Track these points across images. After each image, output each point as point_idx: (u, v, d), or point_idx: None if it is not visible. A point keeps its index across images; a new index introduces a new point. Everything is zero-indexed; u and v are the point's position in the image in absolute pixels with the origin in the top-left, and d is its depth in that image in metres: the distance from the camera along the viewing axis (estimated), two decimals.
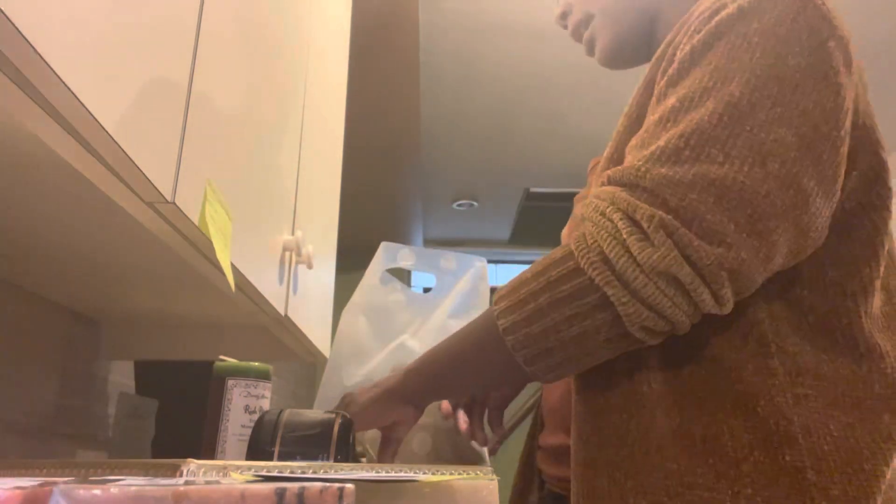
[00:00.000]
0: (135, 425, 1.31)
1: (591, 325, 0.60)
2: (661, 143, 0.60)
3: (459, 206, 4.26)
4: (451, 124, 3.32)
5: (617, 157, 0.70)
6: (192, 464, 0.39)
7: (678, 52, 0.65)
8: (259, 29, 0.87)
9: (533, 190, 4.00)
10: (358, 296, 1.14)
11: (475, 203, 4.21)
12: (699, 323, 0.61)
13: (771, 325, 0.62)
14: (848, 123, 0.62)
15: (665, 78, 0.65)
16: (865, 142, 0.65)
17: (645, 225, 0.57)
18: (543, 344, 0.61)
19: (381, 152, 3.10)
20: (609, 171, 0.63)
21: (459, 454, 1.00)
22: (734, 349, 0.62)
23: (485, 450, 1.05)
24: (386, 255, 1.16)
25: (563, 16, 0.89)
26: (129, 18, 0.52)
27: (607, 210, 0.59)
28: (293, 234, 1.08)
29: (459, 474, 0.57)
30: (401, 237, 4.14)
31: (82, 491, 0.26)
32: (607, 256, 0.58)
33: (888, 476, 0.59)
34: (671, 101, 0.62)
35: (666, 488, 0.60)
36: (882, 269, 0.66)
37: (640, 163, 0.60)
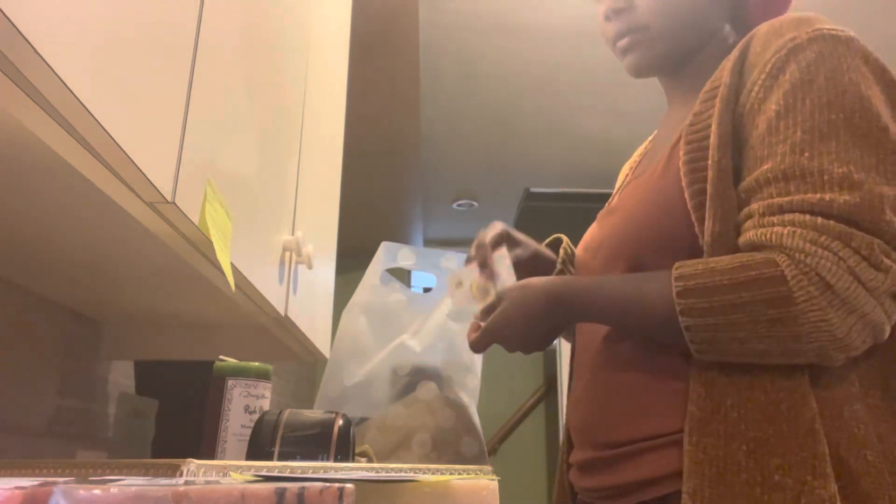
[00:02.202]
0: (135, 425, 1.31)
1: (780, 348, 0.64)
2: (826, 175, 0.64)
3: (459, 206, 4.26)
4: (451, 124, 3.32)
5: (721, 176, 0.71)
6: (192, 464, 0.39)
7: (765, 89, 0.70)
8: (259, 29, 0.87)
9: (533, 190, 4.00)
10: (358, 296, 1.14)
11: (475, 203, 4.21)
12: None
13: (860, 361, 0.68)
14: None
15: (771, 111, 0.69)
16: None
17: (865, 252, 0.62)
18: (723, 348, 0.66)
19: (380, 152, 3.10)
20: (777, 201, 0.66)
21: (459, 454, 1.00)
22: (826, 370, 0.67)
23: (485, 450, 1.05)
24: (386, 255, 1.16)
25: (619, 12, 0.86)
26: (129, 18, 0.52)
27: (820, 239, 0.63)
28: (293, 234, 1.08)
29: (459, 474, 0.57)
30: (401, 237, 4.14)
31: (82, 491, 0.26)
32: (833, 285, 0.62)
33: None
34: (796, 133, 0.67)
35: (813, 468, 0.63)
36: None
37: (819, 195, 0.64)
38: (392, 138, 2.99)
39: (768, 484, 0.63)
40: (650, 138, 0.99)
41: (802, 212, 0.64)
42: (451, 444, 1.02)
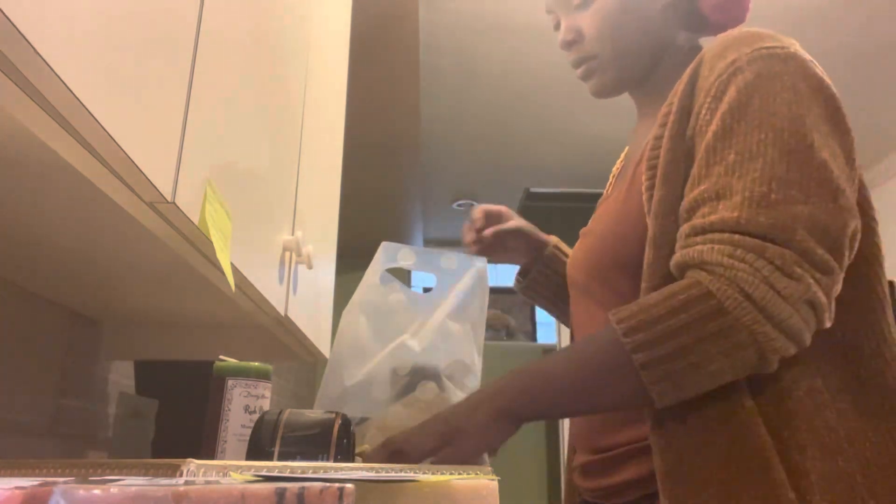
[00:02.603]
0: (135, 425, 1.31)
1: (731, 362, 0.66)
2: (747, 193, 0.67)
3: (459, 206, 4.26)
4: (451, 124, 3.32)
5: (668, 201, 0.75)
6: (192, 464, 0.39)
7: (708, 111, 0.73)
8: (259, 29, 0.87)
9: (533, 190, 4.00)
10: (358, 296, 1.14)
11: (475, 203, 4.21)
12: None
13: (812, 349, 0.70)
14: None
15: (710, 134, 0.72)
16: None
17: (779, 262, 0.64)
18: (681, 380, 0.67)
19: (380, 152, 3.10)
20: (700, 222, 0.69)
21: None
22: (789, 372, 0.70)
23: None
24: (386, 255, 1.16)
25: (570, 44, 0.91)
26: (129, 18, 0.52)
27: (736, 252, 0.66)
28: (293, 234, 1.08)
29: (459, 474, 0.57)
30: (401, 237, 4.14)
31: (82, 491, 0.26)
32: (751, 295, 0.64)
33: None
34: (730, 155, 0.70)
35: (777, 498, 0.65)
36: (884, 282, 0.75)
37: (737, 213, 0.67)
38: (392, 138, 2.99)
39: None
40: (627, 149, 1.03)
41: (722, 231, 0.67)
42: None
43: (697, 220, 0.70)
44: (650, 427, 0.72)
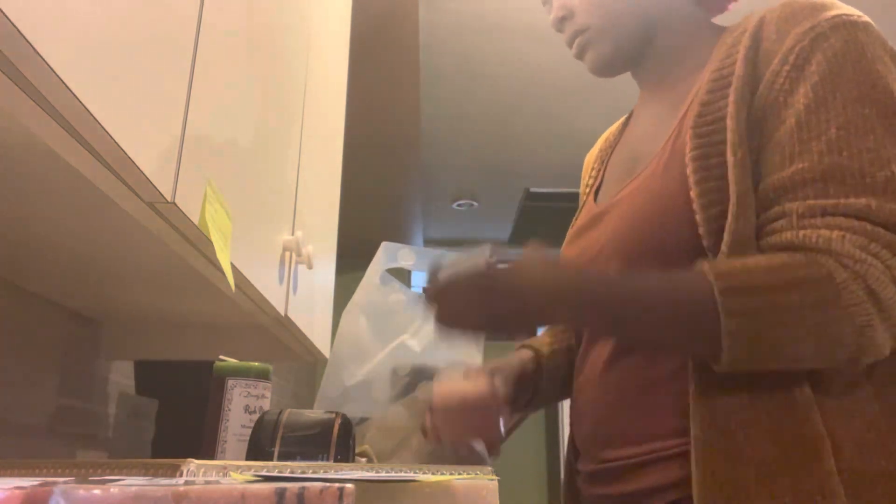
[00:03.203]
0: (135, 425, 1.31)
1: (820, 352, 0.62)
2: (868, 179, 0.62)
3: (459, 206, 4.26)
4: (451, 124, 3.32)
5: (703, 155, 0.69)
6: (192, 464, 0.39)
7: (791, 80, 0.68)
8: (259, 29, 0.87)
9: (533, 190, 4.00)
10: (358, 296, 1.14)
11: (475, 203, 4.21)
12: None
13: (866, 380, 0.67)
14: None
15: (801, 105, 0.66)
16: None
17: None
18: (759, 355, 0.63)
19: (380, 152, 3.10)
20: (819, 203, 0.64)
21: (459, 454, 0.99)
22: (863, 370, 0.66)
23: (485, 450, 1.04)
24: (386, 255, 1.16)
25: (562, 20, 0.88)
26: (129, 18, 0.52)
27: (870, 247, 0.61)
28: (293, 234, 1.08)
29: (459, 474, 0.57)
30: (401, 237, 4.14)
31: (82, 491, 0.26)
32: (877, 294, 0.60)
33: None
34: (831, 129, 0.64)
35: (821, 489, 0.62)
36: None
37: (864, 200, 0.62)
38: (392, 138, 2.99)
39: None
40: (617, 126, 0.98)
41: (848, 216, 0.62)
42: (451, 445, 1.02)
43: (815, 202, 0.64)
44: (692, 394, 0.67)
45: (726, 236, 0.67)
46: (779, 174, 0.66)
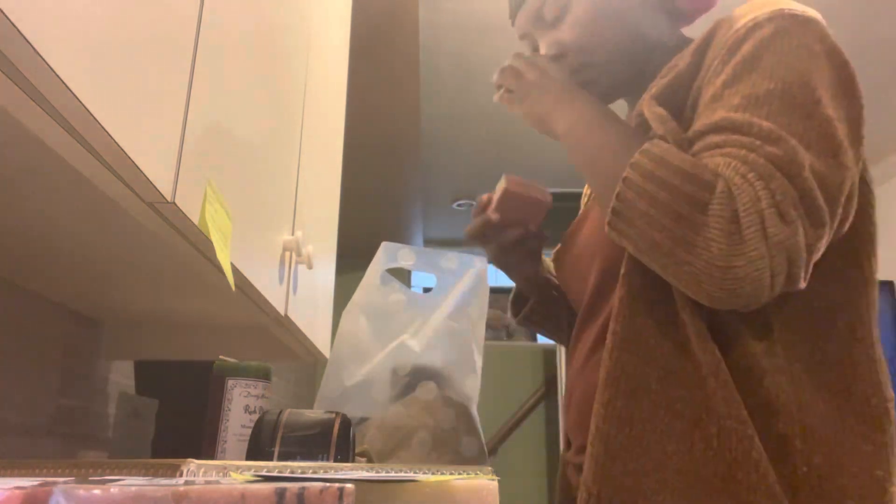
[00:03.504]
0: (135, 425, 1.31)
1: (671, 247, 0.66)
2: (755, 129, 0.67)
3: (459, 206, 4.26)
4: (451, 124, 3.32)
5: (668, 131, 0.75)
6: (192, 464, 0.39)
7: (721, 62, 0.74)
8: (259, 29, 0.87)
9: None
10: (358, 296, 1.13)
11: (475, 203, 4.21)
12: (729, 314, 0.70)
13: (778, 314, 0.71)
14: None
15: (719, 83, 0.73)
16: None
17: (779, 198, 0.63)
18: (632, 216, 0.69)
19: (381, 152, 3.10)
20: (716, 139, 0.69)
21: (459, 454, 1.00)
22: (749, 332, 0.71)
23: (485, 450, 1.05)
24: (386, 255, 1.16)
25: (557, 59, 0.90)
26: (129, 18, 0.52)
27: (748, 175, 0.65)
28: (293, 234, 1.08)
29: (459, 474, 0.57)
30: (401, 237, 4.14)
31: (82, 491, 0.26)
32: (738, 219, 0.63)
33: (874, 454, 0.68)
34: (735, 99, 0.70)
35: (707, 407, 0.68)
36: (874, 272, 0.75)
37: (749, 140, 0.66)
38: (392, 138, 2.99)
39: (670, 410, 0.69)
40: None
41: (736, 147, 0.67)
42: (451, 444, 1.02)
43: (712, 139, 0.70)
44: (619, 294, 0.74)
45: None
46: (692, 129, 0.72)
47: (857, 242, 0.73)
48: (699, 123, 0.72)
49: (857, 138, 0.70)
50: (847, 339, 0.71)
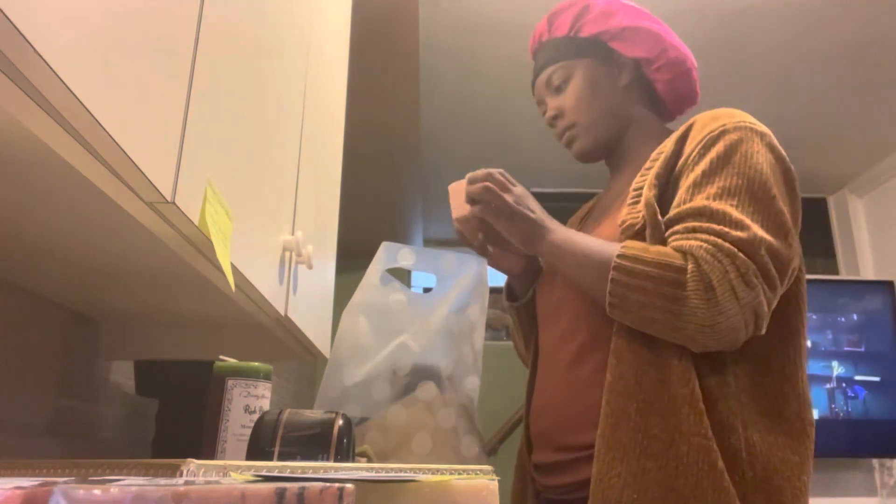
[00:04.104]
0: (135, 425, 1.31)
1: (665, 321, 0.88)
2: (728, 215, 0.89)
3: None
4: (451, 124, 3.32)
5: (641, 225, 0.97)
6: (192, 464, 0.39)
7: (698, 156, 0.96)
8: (259, 29, 0.87)
9: (533, 190, 3.99)
10: (358, 296, 1.13)
11: None
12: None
13: (733, 355, 0.92)
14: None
15: (699, 172, 0.95)
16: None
17: (743, 270, 0.86)
18: (629, 306, 0.90)
19: (381, 152, 3.10)
20: (694, 224, 0.91)
21: (459, 454, 1.00)
22: (708, 370, 0.91)
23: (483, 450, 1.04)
24: (386, 255, 1.16)
25: (554, 119, 1.16)
26: (129, 18, 0.52)
27: (717, 255, 0.87)
28: (293, 234, 1.08)
29: (459, 474, 0.57)
30: (401, 237, 4.14)
31: (82, 491, 0.26)
32: (713, 287, 0.85)
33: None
34: (713, 189, 0.92)
35: (679, 430, 0.87)
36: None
37: (719, 227, 0.88)
38: (392, 138, 2.98)
39: (648, 434, 0.87)
40: (592, 202, 1.25)
41: (709, 234, 0.88)
42: (451, 444, 1.02)
43: (691, 224, 0.91)
44: (611, 347, 0.93)
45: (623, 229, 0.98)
46: (679, 208, 0.94)
47: (791, 308, 0.95)
48: (683, 206, 0.93)
49: (797, 227, 0.94)
50: (779, 376, 0.92)
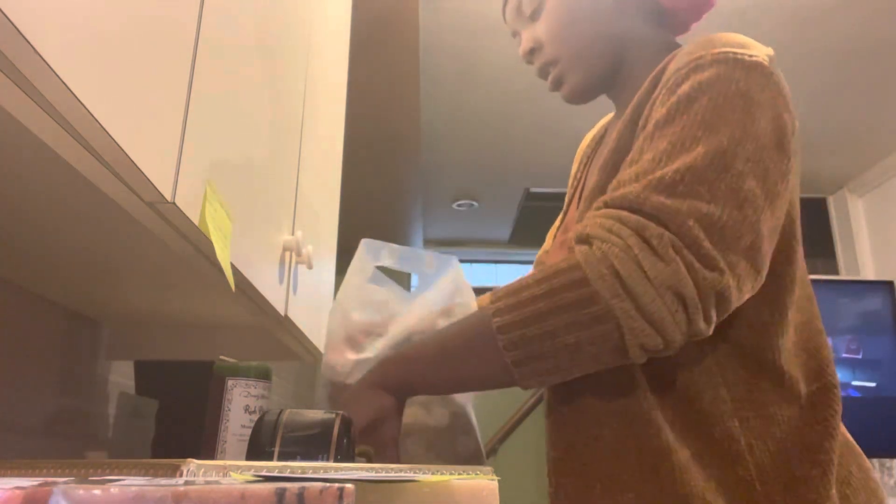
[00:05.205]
0: (135, 425, 1.31)
1: (588, 336, 0.64)
2: (658, 175, 0.67)
3: (459, 206, 4.26)
4: (451, 124, 3.32)
5: (602, 189, 0.76)
6: (192, 464, 0.39)
7: (661, 103, 0.73)
8: (259, 29, 0.87)
9: (533, 190, 4.00)
10: (342, 295, 1.13)
11: (475, 203, 4.21)
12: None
13: (717, 359, 0.72)
14: (791, 182, 0.73)
15: (652, 123, 0.72)
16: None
17: (654, 242, 0.63)
18: (537, 348, 0.65)
19: (381, 152, 3.10)
20: (606, 197, 0.69)
21: (456, 454, 0.99)
22: (695, 380, 0.71)
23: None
24: (368, 253, 1.15)
25: (531, 52, 0.91)
26: (129, 18, 0.52)
27: (614, 227, 0.65)
28: (293, 234, 1.08)
29: (459, 474, 0.57)
30: (401, 237, 4.14)
31: (82, 491, 0.26)
32: (617, 270, 0.63)
33: (822, 477, 0.69)
34: (663, 143, 0.69)
35: (660, 501, 0.67)
36: (793, 310, 0.76)
37: (639, 190, 0.66)
38: (392, 138, 2.98)
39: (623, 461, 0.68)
40: (604, 123, 1.04)
41: (615, 206, 0.67)
42: (447, 445, 1.02)
43: (605, 196, 0.69)
44: (545, 414, 0.73)
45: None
46: (615, 179, 0.72)
47: (781, 294, 0.74)
48: (622, 173, 0.71)
49: (773, 192, 0.69)
50: (779, 377, 0.73)
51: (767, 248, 0.68)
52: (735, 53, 0.71)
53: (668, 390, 0.70)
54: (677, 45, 0.88)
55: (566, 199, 1.03)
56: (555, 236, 0.97)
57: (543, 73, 0.92)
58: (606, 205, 0.68)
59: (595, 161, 0.92)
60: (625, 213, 0.65)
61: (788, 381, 0.72)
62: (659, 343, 0.64)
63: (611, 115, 1.02)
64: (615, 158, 0.77)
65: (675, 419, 0.69)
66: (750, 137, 0.68)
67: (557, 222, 1.04)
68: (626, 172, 0.70)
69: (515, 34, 0.95)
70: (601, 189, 0.76)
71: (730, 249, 0.64)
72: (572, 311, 0.63)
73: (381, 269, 1.20)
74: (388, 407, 0.73)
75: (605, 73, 0.89)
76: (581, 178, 0.98)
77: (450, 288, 1.15)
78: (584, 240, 0.67)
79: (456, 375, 0.73)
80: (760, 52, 0.73)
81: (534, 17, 0.91)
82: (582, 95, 0.92)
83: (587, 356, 0.65)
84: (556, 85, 0.91)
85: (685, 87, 0.71)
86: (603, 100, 0.99)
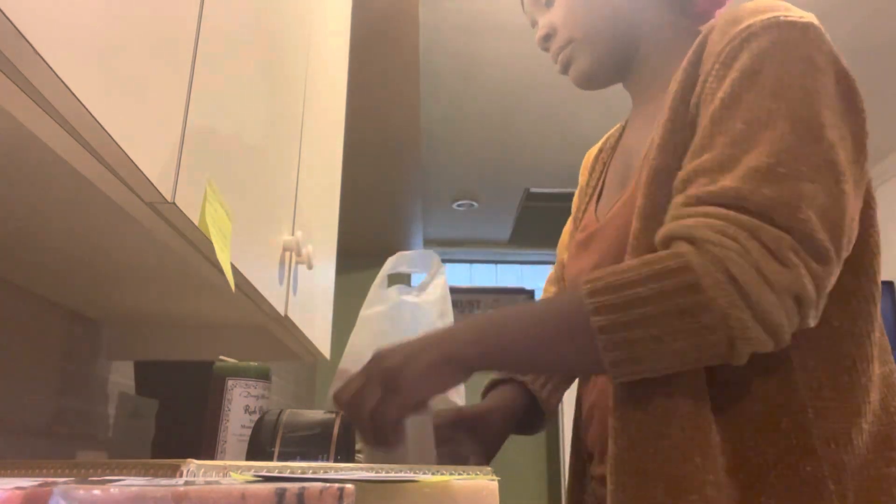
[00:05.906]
0: (135, 425, 1.31)
1: (696, 343, 0.61)
2: (752, 163, 0.63)
3: (459, 206, 4.26)
4: (451, 124, 3.32)
5: (669, 171, 0.71)
6: (192, 464, 0.39)
7: (716, 78, 0.69)
8: (259, 29, 0.87)
9: (533, 190, 4.00)
10: (371, 307, 1.13)
11: (475, 203, 4.21)
12: None
13: (793, 361, 0.67)
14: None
15: (717, 101, 0.67)
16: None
17: (773, 246, 0.60)
18: (639, 352, 0.62)
19: (380, 152, 3.10)
20: (698, 191, 0.64)
21: (455, 454, 0.99)
22: (768, 382, 0.67)
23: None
24: (393, 264, 1.16)
25: (547, 38, 0.90)
26: (129, 18, 0.52)
27: (728, 229, 0.61)
28: (293, 234, 1.08)
29: (459, 474, 0.57)
30: (401, 237, 4.14)
31: (82, 491, 0.26)
32: (734, 276, 0.60)
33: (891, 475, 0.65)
34: (737, 123, 0.65)
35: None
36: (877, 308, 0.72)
37: (739, 184, 0.62)
38: (392, 138, 2.98)
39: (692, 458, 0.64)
40: (617, 129, 0.99)
41: (717, 204, 0.63)
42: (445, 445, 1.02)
43: (693, 190, 0.65)
44: (610, 410, 0.69)
45: (629, 241, 0.71)
46: (685, 168, 0.67)
47: (868, 258, 0.70)
48: (697, 160, 0.66)
49: (860, 156, 0.66)
50: (867, 355, 0.68)
51: (856, 215, 0.66)
52: (786, 17, 0.68)
53: (739, 390, 0.67)
54: (699, 33, 0.83)
55: (576, 205, 1.00)
56: (570, 239, 0.94)
57: (555, 57, 0.90)
58: (701, 200, 0.64)
59: (632, 150, 0.87)
60: (732, 214, 0.61)
61: (865, 384, 0.68)
62: (770, 346, 0.62)
63: (617, 126, 1.00)
64: (675, 139, 0.71)
65: (744, 420, 0.66)
66: (824, 103, 0.65)
67: (569, 226, 1.00)
68: (705, 159, 0.66)
69: (534, 23, 0.93)
70: (668, 171, 0.71)
71: (836, 235, 0.62)
72: (684, 319, 0.60)
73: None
74: (453, 385, 0.69)
75: (617, 58, 0.87)
76: (599, 180, 0.95)
77: (442, 285, 1.15)
78: (689, 239, 0.62)
79: (537, 361, 0.70)
80: (807, 14, 0.70)
81: (549, 3, 0.90)
82: (590, 79, 0.88)
83: (689, 360, 0.63)
84: (565, 67, 0.89)
85: (744, 59, 0.67)
86: (606, 100, 0.98)
